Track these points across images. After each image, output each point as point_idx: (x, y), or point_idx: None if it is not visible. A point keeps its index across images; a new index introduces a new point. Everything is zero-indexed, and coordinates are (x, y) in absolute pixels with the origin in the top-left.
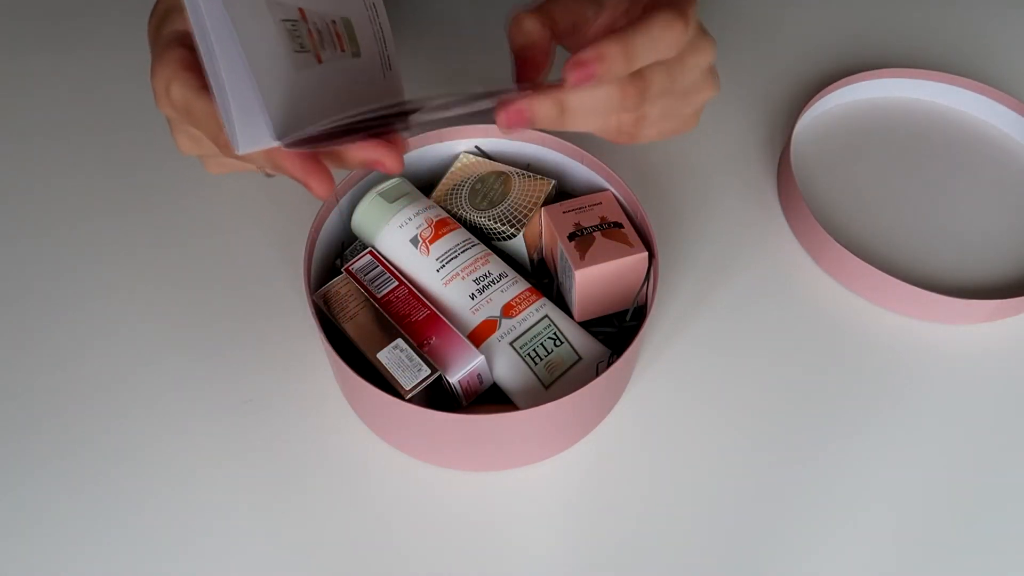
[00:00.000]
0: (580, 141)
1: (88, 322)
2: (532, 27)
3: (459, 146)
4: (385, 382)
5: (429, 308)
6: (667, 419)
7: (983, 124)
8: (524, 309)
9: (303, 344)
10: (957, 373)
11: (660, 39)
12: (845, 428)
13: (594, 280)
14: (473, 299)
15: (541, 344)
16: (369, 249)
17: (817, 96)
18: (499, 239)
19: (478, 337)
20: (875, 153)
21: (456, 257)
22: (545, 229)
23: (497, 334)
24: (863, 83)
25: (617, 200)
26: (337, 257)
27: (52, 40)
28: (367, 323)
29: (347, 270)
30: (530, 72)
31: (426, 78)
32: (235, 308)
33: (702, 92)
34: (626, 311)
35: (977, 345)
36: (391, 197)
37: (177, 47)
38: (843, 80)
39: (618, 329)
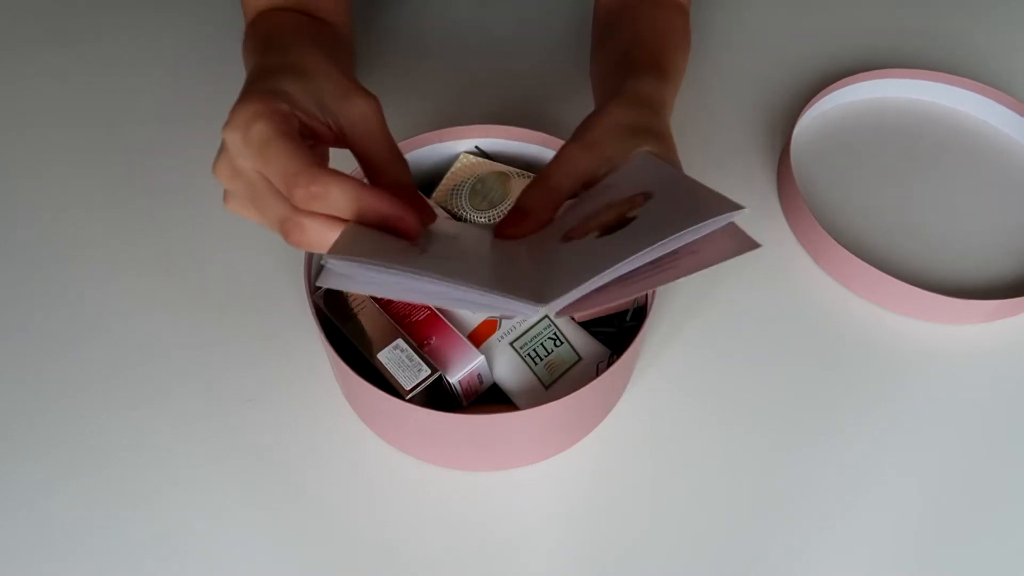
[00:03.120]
0: None
1: (89, 322)
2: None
3: (459, 146)
4: (385, 382)
5: (429, 308)
6: (667, 419)
7: (983, 124)
8: None
9: (303, 344)
10: (956, 372)
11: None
12: (844, 427)
13: None
14: None
15: (541, 344)
16: None
17: (817, 96)
18: None
19: (478, 337)
20: (875, 153)
21: None
22: None
23: (497, 334)
24: (863, 83)
25: None
26: None
27: (61, 36)
28: (367, 323)
29: None
30: (517, 233)
31: (427, 80)
32: (236, 308)
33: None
34: (626, 311)
35: (976, 345)
36: None
37: (279, 100)
38: (843, 80)
39: (618, 329)
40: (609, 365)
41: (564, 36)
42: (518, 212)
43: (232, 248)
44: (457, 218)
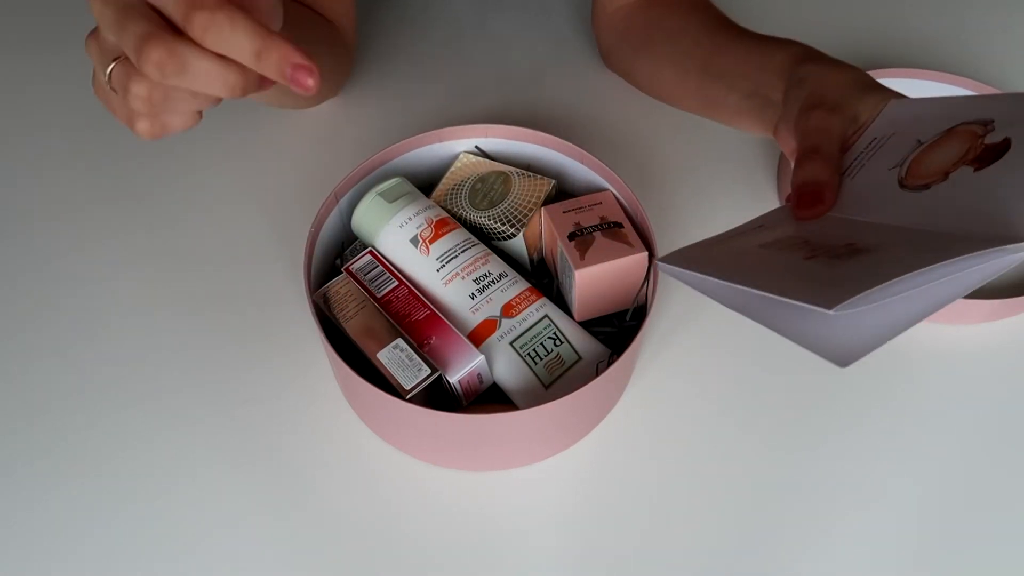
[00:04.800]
0: (580, 141)
1: (88, 322)
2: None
3: (459, 146)
4: (385, 382)
5: (429, 308)
6: (667, 418)
7: None
8: (524, 309)
9: (303, 344)
10: (955, 372)
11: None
12: (844, 427)
13: (594, 280)
14: (473, 299)
15: (541, 344)
16: (369, 249)
17: None
18: (499, 239)
19: (478, 337)
20: None
21: (456, 257)
22: (545, 229)
23: (497, 334)
24: None
25: (617, 200)
26: (337, 257)
27: (47, 35)
28: (367, 323)
29: (347, 270)
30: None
31: (427, 80)
32: (235, 308)
33: None
34: (626, 311)
35: (976, 345)
36: (391, 197)
37: None
38: None
39: (618, 329)
40: (609, 365)
41: (564, 35)
42: (812, 189)
43: (232, 248)
44: (457, 218)
